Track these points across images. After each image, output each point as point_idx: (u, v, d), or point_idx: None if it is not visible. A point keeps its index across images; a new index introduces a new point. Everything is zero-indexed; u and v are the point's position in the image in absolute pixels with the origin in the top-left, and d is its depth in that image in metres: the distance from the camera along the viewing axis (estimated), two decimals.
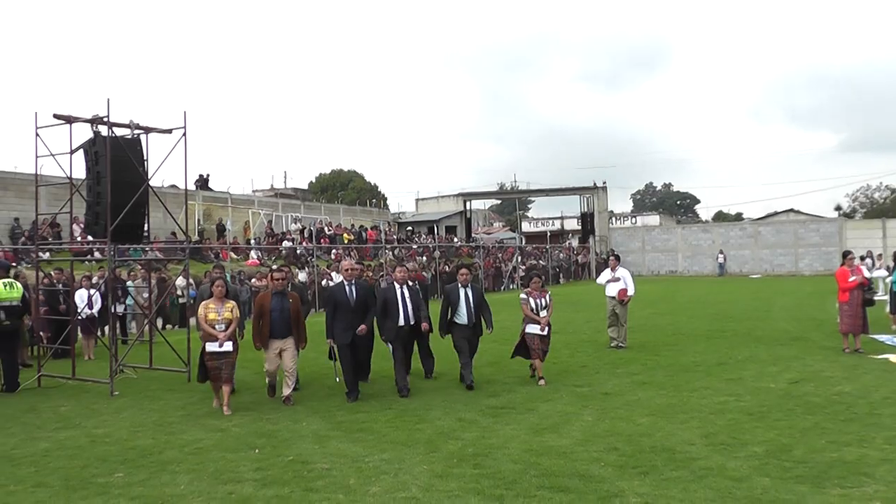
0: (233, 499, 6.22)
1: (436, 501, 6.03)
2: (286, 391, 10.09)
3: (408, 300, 10.83)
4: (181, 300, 22.01)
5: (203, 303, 9.97)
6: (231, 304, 9.89)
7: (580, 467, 6.87)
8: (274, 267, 11.51)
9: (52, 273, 16.92)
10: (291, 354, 10.10)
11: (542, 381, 10.97)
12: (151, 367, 13.26)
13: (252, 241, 35.70)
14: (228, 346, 9.65)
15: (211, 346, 9.63)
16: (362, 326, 10.32)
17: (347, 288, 10.40)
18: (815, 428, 8.12)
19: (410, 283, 11.19)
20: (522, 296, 11.32)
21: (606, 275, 15.67)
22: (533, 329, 11.09)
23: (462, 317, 11.10)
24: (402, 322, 10.72)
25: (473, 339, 11.24)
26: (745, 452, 7.23)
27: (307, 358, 13.20)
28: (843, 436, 7.77)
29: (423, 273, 32.81)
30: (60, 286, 16.14)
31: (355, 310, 10.32)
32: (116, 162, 11.85)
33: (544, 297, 11.24)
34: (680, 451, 7.28)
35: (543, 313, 11.17)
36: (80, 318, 14.97)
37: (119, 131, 12.29)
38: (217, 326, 9.66)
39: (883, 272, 26.54)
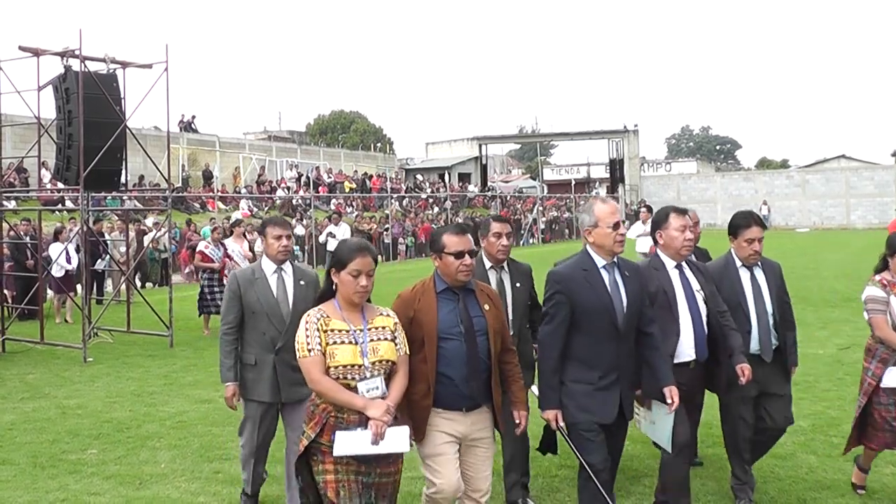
0: (219, 479, 6.23)
1: None
2: None
3: (699, 302, 5.19)
4: (163, 255, 22.05)
5: (308, 319, 3.98)
6: (387, 318, 4.16)
7: None
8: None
9: (18, 224, 16.90)
10: (486, 458, 4.51)
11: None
12: (129, 330, 13.30)
13: (242, 190, 35.66)
14: (398, 442, 3.89)
15: (346, 444, 3.83)
16: (673, 397, 4.68)
17: (608, 276, 4.66)
18: None
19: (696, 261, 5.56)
20: (875, 292, 5.51)
21: (637, 228, 15.55)
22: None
23: (750, 339, 5.49)
24: (691, 353, 5.11)
25: (779, 393, 5.65)
26: (789, 427, 7.17)
27: None
28: None
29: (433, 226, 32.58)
30: (28, 239, 16.12)
31: (625, 334, 4.63)
32: (90, 100, 11.82)
33: None
34: (717, 427, 7.19)
35: None
36: (51, 275, 14.95)
37: (93, 66, 12.33)
38: (363, 389, 3.92)
39: None
